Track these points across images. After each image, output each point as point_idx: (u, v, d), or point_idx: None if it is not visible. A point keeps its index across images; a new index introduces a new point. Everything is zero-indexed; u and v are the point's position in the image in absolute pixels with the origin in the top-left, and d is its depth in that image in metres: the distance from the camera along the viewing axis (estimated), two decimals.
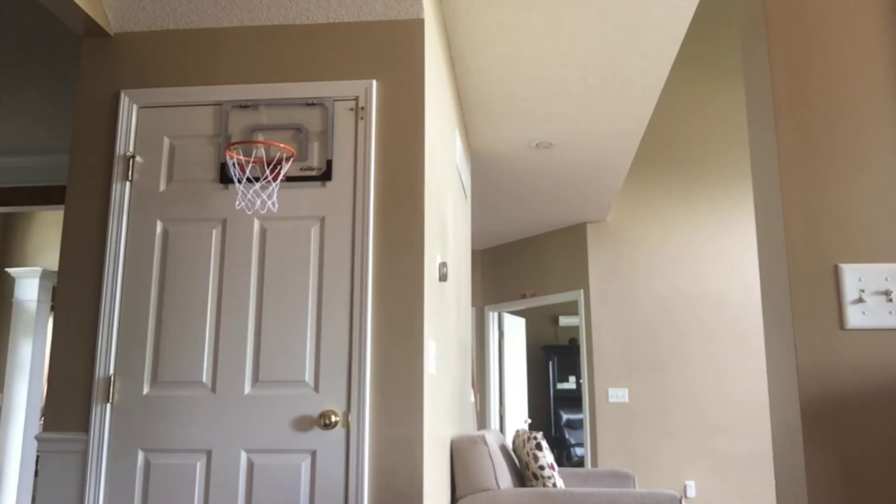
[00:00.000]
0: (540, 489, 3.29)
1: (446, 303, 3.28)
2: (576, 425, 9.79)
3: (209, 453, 2.48)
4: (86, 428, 2.55)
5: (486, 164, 5.25)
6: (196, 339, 2.57)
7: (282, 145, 2.58)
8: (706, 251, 6.39)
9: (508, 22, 3.44)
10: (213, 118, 2.73)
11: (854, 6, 1.41)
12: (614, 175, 5.53)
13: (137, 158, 2.73)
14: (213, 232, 2.65)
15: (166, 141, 2.74)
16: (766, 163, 1.43)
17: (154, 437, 2.51)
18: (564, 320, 10.27)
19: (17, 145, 4.69)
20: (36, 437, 2.59)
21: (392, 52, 2.71)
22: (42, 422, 2.63)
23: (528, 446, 3.70)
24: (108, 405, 2.55)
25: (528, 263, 7.33)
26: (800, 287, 1.32)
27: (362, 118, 2.67)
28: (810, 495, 1.26)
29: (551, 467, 3.62)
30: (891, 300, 1.29)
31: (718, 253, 6.38)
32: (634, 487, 4.27)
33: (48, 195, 4.88)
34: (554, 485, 3.58)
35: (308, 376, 2.50)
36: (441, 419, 3.01)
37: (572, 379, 9.97)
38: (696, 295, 6.34)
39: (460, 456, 3.34)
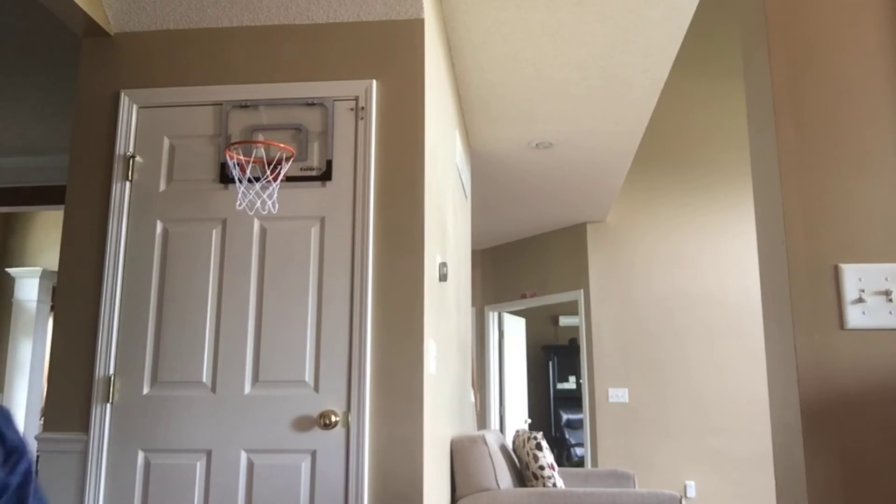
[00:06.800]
0: (540, 489, 3.29)
1: (446, 303, 3.28)
2: (576, 425, 9.78)
3: (209, 453, 2.48)
4: (86, 428, 2.54)
5: (486, 164, 5.25)
6: (196, 339, 2.57)
7: (282, 145, 2.58)
8: (706, 251, 6.39)
9: (508, 22, 3.44)
10: (213, 118, 2.73)
11: (854, 7, 1.41)
12: (614, 175, 5.53)
13: (137, 158, 2.73)
14: (213, 232, 2.65)
15: (166, 141, 2.74)
16: (766, 163, 1.43)
17: (154, 437, 2.51)
18: (564, 320, 10.26)
19: (17, 145, 4.69)
20: (36, 437, 2.59)
21: (392, 52, 2.71)
22: (42, 422, 2.62)
23: (528, 446, 3.70)
24: (108, 405, 2.55)
25: (528, 263, 7.33)
26: (800, 287, 1.32)
27: (362, 118, 2.67)
28: (810, 495, 1.26)
29: (551, 467, 3.62)
30: (891, 300, 1.29)
31: (718, 253, 6.38)
32: (634, 487, 4.26)
33: (48, 195, 4.88)
34: (554, 485, 3.57)
35: (308, 376, 2.50)
36: (441, 419, 3.01)
37: (572, 379, 9.97)
38: (696, 295, 6.34)
39: (460, 456, 3.34)
